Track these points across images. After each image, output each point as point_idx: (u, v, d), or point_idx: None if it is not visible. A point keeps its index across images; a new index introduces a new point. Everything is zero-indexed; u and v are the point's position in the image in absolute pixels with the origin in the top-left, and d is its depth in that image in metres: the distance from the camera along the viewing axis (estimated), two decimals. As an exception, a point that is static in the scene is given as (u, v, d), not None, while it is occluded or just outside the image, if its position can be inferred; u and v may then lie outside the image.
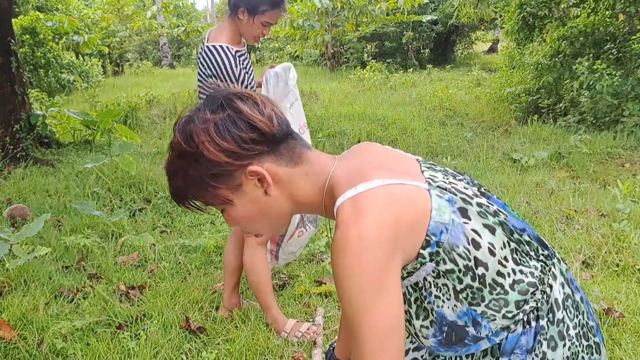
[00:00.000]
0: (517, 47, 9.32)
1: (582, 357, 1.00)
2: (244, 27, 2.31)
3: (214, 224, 4.08)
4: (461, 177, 1.04)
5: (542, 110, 7.92)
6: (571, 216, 3.92)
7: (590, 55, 7.60)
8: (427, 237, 0.91)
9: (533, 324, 0.97)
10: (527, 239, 0.99)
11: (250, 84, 2.40)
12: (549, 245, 1.04)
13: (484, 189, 1.05)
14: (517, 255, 0.96)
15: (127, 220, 4.02)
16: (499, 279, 0.94)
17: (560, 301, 0.99)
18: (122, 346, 2.44)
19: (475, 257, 0.93)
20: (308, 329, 2.54)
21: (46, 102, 8.13)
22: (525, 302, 0.96)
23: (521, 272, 0.96)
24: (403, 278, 0.97)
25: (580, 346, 1.00)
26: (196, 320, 2.67)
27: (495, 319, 0.95)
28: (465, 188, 0.99)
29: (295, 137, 1.00)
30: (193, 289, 3.01)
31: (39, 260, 3.25)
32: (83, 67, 12.83)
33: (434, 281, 0.95)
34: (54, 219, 4.04)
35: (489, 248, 0.93)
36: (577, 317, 1.01)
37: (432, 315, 0.98)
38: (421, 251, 0.91)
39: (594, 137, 6.26)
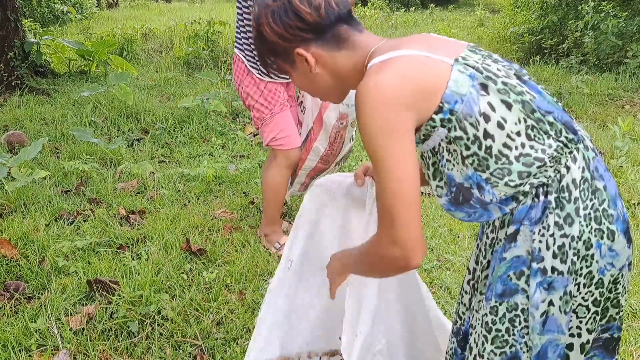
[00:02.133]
0: (523, -16, 9.05)
1: (589, 238, 1.05)
2: None
3: (212, 155, 4.08)
4: (505, 63, 1.11)
5: (545, 51, 7.79)
6: (569, 153, 3.93)
7: (598, -6, 7.41)
8: (441, 104, 1.01)
9: (542, 198, 1.05)
10: (551, 120, 1.04)
11: None
12: (579, 132, 1.09)
13: (526, 76, 1.10)
14: (532, 131, 1.03)
15: (126, 150, 4.01)
16: (505, 150, 1.02)
17: (578, 181, 1.05)
18: (124, 265, 2.49)
19: (484, 129, 1.01)
20: None
21: (40, 32, 7.92)
22: (530, 174, 1.03)
23: (532, 147, 1.02)
24: (420, 142, 1.09)
25: (588, 227, 1.05)
26: (197, 242, 2.72)
27: (497, 186, 1.04)
28: (498, 69, 1.06)
29: (348, 22, 1.14)
30: (193, 214, 3.05)
31: (38, 184, 3.27)
32: (76, -2, 12.44)
33: (446, 146, 1.06)
34: (52, 146, 4.02)
35: (498, 122, 1.01)
36: (592, 200, 1.06)
37: (445, 177, 1.09)
38: (433, 116, 1.02)
39: (596, 78, 6.19)
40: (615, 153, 3.79)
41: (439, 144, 1.07)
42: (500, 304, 1.11)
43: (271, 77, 2.46)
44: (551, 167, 1.03)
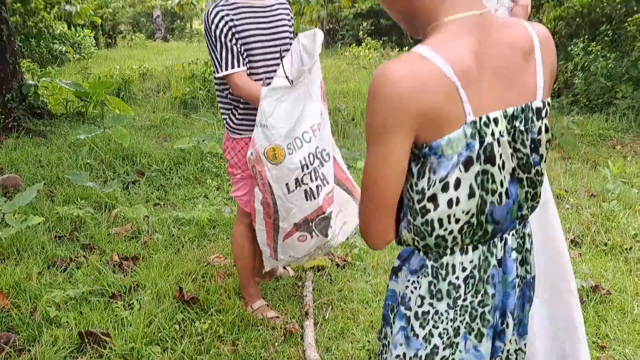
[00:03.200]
0: (513, 26, 9.28)
1: (458, 327, 1.07)
2: None
3: (207, 197, 4.09)
4: (529, 154, 1.02)
5: (537, 91, 7.92)
6: (562, 196, 3.96)
7: (586, 37, 7.59)
8: (425, 144, 0.94)
9: (422, 254, 1.05)
10: (489, 229, 1.03)
11: (247, 39, 2.17)
12: (507, 241, 1.08)
13: (526, 180, 1.05)
14: (466, 228, 1.00)
15: (121, 193, 4.02)
16: (436, 224, 0.99)
17: (457, 269, 1.04)
18: (116, 315, 2.46)
19: (434, 193, 0.96)
20: (272, 317, 2.52)
21: (38, 73, 8.03)
22: (434, 245, 1.02)
23: (453, 235, 1.00)
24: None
25: (461, 317, 1.07)
26: (189, 291, 2.70)
27: (403, 230, 1.04)
28: (500, 157, 0.98)
29: None
30: (186, 260, 3.04)
31: (31, 230, 3.26)
32: (75, 38, 12.63)
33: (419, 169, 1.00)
34: (47, 190, 4.03)
35: (450, 199, 0.96)
36: (473, 297, 1.06)
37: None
38: (415, 143, 0.95)
39: (587, 119, 6.29)
40: (607, 196, 3.82)
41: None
42: (383, 326, 1.17)
43: (239, 134, 2.31)
44: (444, 246, 1.02)
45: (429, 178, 0.95)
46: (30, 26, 10.94)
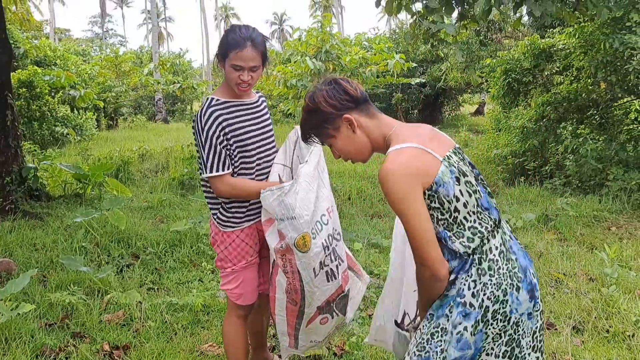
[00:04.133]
0: (502, 110, 9.59)
1: (505, 289, 1.58)
2: (225, 75, 2.24)
3: (202, 281, 4.04)
4: (470, 168, 1.67)
5: (529, 172, 8.06)
6: (560, 280, 3.93)
7: (574, 120, 7.83)
8: (432, 184, 1.54)
9: (471, 257, 1.59)
10: (487, 214, 1.62)
11: (239, 135, 2.25)
12: (502, 223, 1.68)
13: (481, 180, 1.68)
14: (477, 216, 1.60)
15: (115, 277, 3.97)
16: (464, 222, 1.58)
17: (496, 250, 1.60)
18: (104, 410, 2.36)
19: (455, 206, 1.57)
20: None
21: (38, 155, 8.16)
22: (473, 240, 1.58)
23: (477, 224, 1.60)
24: None
25: (504, 280, 1.59)
26: (181, 383, 2.60)
27: (455, 243, 1.58)
28: (466, 170, 1.62)
29: (370, 103, 1.73)
30: (179, 349, 2.95)
31: (21, 317, 3.18)
32: (77, 121, 12.95)
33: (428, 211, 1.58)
34: (40, 274, 3.97)
35: (464, 203, 1.58)
36: (507, 265, 1.61)
37: None
38: (425, 190, 1.54)
39: (580, 200, 6.35)
40: (605, 280, 3.79)
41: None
42: (430, 321, 1.63)
43: (231, 227, 2.32)
44: (481, 238, 1.59)
45: (446, 200, 1.55)
46: (34, 110, 11.25)
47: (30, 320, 3.20)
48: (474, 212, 1.58)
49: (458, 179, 1.56)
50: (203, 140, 2.20)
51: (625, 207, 6.09)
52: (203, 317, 3.40)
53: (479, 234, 1.57)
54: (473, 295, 1.56)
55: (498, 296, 1.56)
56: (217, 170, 2.21)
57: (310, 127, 1.75)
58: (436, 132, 1.71)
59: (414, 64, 16.09)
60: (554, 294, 3.69)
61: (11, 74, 6.69)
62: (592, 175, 6.86)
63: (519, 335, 1.61)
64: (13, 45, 10.22)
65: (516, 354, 1.63)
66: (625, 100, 7.68)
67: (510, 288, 1.58)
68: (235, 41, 2.16)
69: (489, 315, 1.57)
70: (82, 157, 8.75)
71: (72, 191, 6.80)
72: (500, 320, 1.58)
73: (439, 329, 1.60)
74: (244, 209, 2.30)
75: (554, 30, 9.15)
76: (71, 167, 6.58)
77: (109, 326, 3.22)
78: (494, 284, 1.56)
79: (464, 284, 1.57)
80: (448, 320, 1.58)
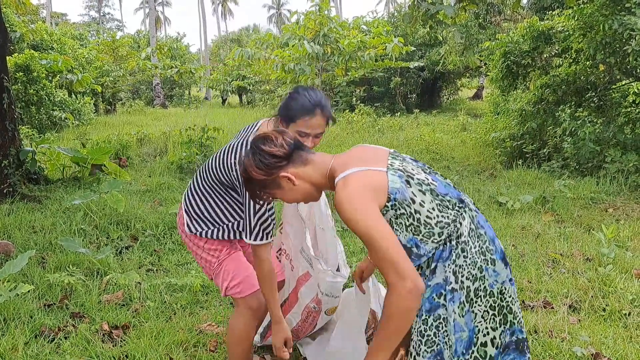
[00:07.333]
0: (501, 93, 9.54)
1: (480, 265, 1.66)
2: None
3: (200, 263, 4.05)
4: (414, 163, 1.74)
5: (527, 155, 8.06)
6: (557, 260, 3.95)
7: (572, 103, 7.80)
8: (389, 195, 1.60)
9: (448, 244, 1.64)
10: (448, 198, 1.66)
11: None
12: (465, 200, 1.72)
13: (429, 169, 1.75)
14: (439, 207, 1.64)
15: (113, 258, 3.98)
16: (429, 220, 1.62)
17: (466, 232, 1.66)
18: (103, 387, 2.38)
19: (414, 208, 1.61)
20: None
21: (36, 139, 8.13)
22: (443, 233, 1.62)
23: (442, 216, 1.63)
24: None
25: (478, 258, 1.66)
26: (180, 361, 2.63)
27: (427, 243, 1.63)
28: (412, 169, 1.68)
29: (302, 148, 1.74)
30: (178, 329, 2.97)
31: (20, 298, 3.20)
32: (75, 105, 12.89)
33: (395, 221, 1.63)
34: (39, 256, 3.99)
35: (420, 203, 1.62)
36: (478, 241, 1.68)
37: None
38: (386, 203, 1.60)
39: (578, 182, 6.36)
40: (602, 260, 3.81)
41: (390, 220, 1.63)
42: (428, 317, 1.66)
43: (204, 235, 2.27)
44: (453, 225, 1.64)
45: (405, 204, 1.60)
46: (32, 94, 11.18)
47: (29, 300, 3.22)
48: (434, 208, 1.61)
49: (408, 182, 1.61)
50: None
51: (622, 188, 6.10)
52: (202, 297, 3.42)
53: (446, 227, 1.62)
54: (455, 279, 1.63)
55: (475, 274, 1.64)
56: (262, 239, 2.12)
57: (254, 194, 1.77)
58: (368, 147, 1.76)
59: (413, 48, 16.05)
60: (550, 273, 3.71)
61: (8, 57, 6.64)
62: (589, 158, 6.86)
63: (506, 302, 1.69)
64: (9, 29, 10.14)
65: (510, 320, 1.71)
66: (623, 82, 7.65)
67: (484, 263, 1.65)
68: (305, 108, 2.04)
69: (472, 294, 1.64)
70: (80, 141, 8.72)
71: (71, 174, 6.80)
72: (483, 296, 1.66)
73: (441, 320, 1.64)
74: (230, 238, 2.29)
75: (553, 13, 9.08)
76: (69, 151, 6.56)
77: (108, 306, 3.24)
78: (469, 264, 1.63)
79: (449, 271, 1.63)
80: (446, 309, 1.64)
